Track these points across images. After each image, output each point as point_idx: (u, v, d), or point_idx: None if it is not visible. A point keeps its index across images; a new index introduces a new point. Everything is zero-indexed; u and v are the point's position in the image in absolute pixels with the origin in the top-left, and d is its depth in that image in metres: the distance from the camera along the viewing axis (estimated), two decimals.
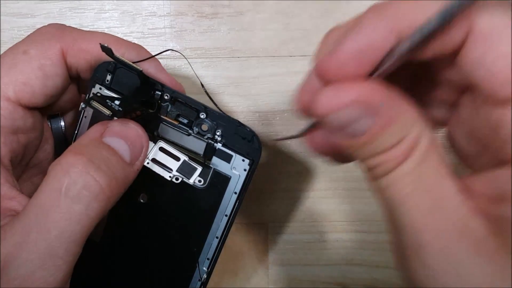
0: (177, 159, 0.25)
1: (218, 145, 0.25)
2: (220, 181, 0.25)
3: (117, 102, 0.24)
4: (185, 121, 0.25)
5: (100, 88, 0.25)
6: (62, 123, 0.28)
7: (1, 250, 0.20)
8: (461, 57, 0.15)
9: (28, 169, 0.26)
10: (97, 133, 0.23)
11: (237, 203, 0.26)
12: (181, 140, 0.25)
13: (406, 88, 0.17)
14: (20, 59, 0.23)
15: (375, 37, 0.15)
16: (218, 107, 0.25)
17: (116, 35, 0.25)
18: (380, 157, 0.16)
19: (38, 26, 0.25)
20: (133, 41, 0.26)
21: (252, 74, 0.35)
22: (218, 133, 0.25)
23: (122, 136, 0.23)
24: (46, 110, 0.26)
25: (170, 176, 0.25)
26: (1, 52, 0.24)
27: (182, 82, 0.27)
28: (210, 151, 0.25)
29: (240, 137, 0.25)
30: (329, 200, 0.37)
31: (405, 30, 0.15)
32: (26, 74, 0.23)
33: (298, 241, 0.37)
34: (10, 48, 0.24)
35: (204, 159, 0.25)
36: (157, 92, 0.25)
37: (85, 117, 0.25)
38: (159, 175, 0.25)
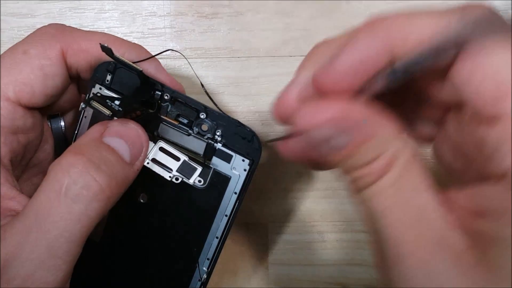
0: (177, 159, 0.25)
1: (218, 145, 0.25)
2: (220, 181, 0.25)
3: (117, 102, 0.24)
4: (185, 121, 0.25)
5: (100, 88, 0.25)
6: (62, 123, 0.28)
7: (1, 250, 0.20)
8: (451, 74, 0.15)
9: (28, 169, 0.26)
10: (97, 133, 0.23)
11: (237, 203, 0.26)
12: (181, 140, 0.25)
13: (393, 104, 0.17)
14: (20, 59, 0.23)
15: (369, 53, 0.15)
16: (218, 107, 0.25)
17: (116, 35, 0.25)
18: (361, 171, 0.17)
19: (38, 26, 0.25)
20: (133, 41, 0.26)
21: (252, 74, 0.35)
22: (218, 133, 0.25)
23: (122, 136, 0.23)
24: (46, 110, 0.26)
25: (170, 176, 0.25)
26: (1, 52, 0.24)
27: (182, 82, 0.27)
28: (210, 151, 0.25)
29: (240, 137, 0.25)
30: (329, 200, 0.37)
31: (398, 46, 0.15)
32: (26, 74, 0.23)
33: (298, 241, 0.37)
34: (10, 48, 0.24)
35: (204, 159, 0.25)
36: (157, 92, 0.25)
37: (85, 117, 0.25)
38: (159, 175, 0.25)
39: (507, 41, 0.15)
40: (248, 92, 0.35)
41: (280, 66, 0.35)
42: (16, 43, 0.24)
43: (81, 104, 0.25)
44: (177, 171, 0.25)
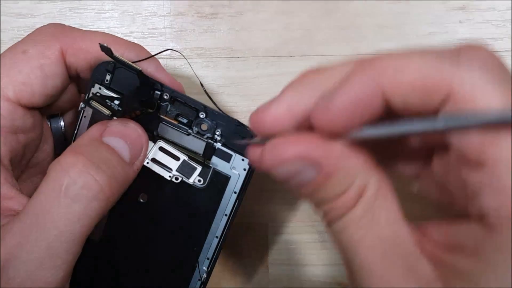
0: (177, 158, 0.25)
1: (218, 145, 0.25)
2: (219, 180, 0.25)
3: (116, 102, 0.24)
4: (185, 120, 0.25)
5: (100, 88, 0.25)
6: (62, 123, 0.28)
7: (1, 250, 0.20)
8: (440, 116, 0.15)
9: (28, 169, 0.26)
10: (96, 133, 0.23)
11: (236, 203, 0.26)
12: (180, 140, 0.25)
13: (378, 143, 0.18)
14: (19, 59, 0.23)
15: (361, 96, 0.15)
16: (217, 107, 0.25)
17: (116, 35, 0.25)
18: (330, 204, 0.17)
19: (38, 26, 0.25)
20: (133, 41, 0.26)
21: (252, 74, 0.35)
22: (217, 133, 0.25)
23: (122, 136, 0.23)
24: (46, 110, 0.26)
25: (170, 176, 0.25)
26: (1, 52, 0.24)
27: (182, 82, 0.27)
28: (210, 150, 0.25)
29: (240, 137, 0.25)
30: None
31: (391, 90, 0.15)
32: (25, 74, 0.23)
33: (298, 241, 0.37)
34: (9, 48, 0.24)
35: (203, 158, 0.25)
36: (156, 91, 0.25)
37: (85, 117, 0.25)
38: (159, 174, 0.25)
39: (503, 87, 0.14)
40: (248, 92, 0.35)
41: (280, 66, 0.35)
42: (16, 43, 0.24)
43: (81, 104, 0.25)
44: (176, 170, 0.25)
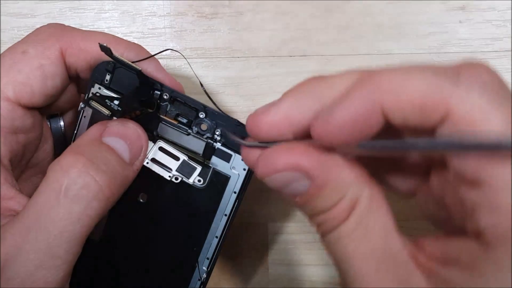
0: (177, 158, 0.25)
1: (218, 145, 0.25)
2: (219, 180, 0.25)
3: (116, 102, 0.24)
4: (185, 120, 0.25)
5: (99, 88, 0.25)
6: (62, 123, 0.28)
7: (1, 250, 0.20)
8: (438, 135, 0.16)
9: (27, 169, 0.26)
10: (96, 133, 0.23)
11: (236, 203, 0.26)
12: (180, 140, 0.25)
13: (375, 157, 0.18)
14: (19, 59, 0.23)
15: (360, 112, 0.16)
16: (217, 107, 0.25)
17: (116, 35, 0.25)
18: (324, 216, 0.17)
19: (38, 26, 0.25)
20: (133, 41, 0.26)
21: (252, 74, 0.35)
22: (217, 133, 0.25)
23: (122, 136, 0.23)
24: (46, 110, 0.26)
25: (169, 176, 0.25)
26: (1, 52, 0.24)
27: (182, 82, 0.27)
28: (210, 150, 0.25)
29: (240, 136, 0.25)
30: None
31: (390, 106, 0.15)
32: (25, 74, 0.23)
33: (298, 241, 0.37)
34: (9, 48, 0.24)
35: (203, 158, 0.25)
36: (156, 91, 0.25)
37: (85, 117, 0.25)
38: (158, 174, 0.25)
39: (503, 108, 0.14)
40: (248, 92, 0.35)
41: (280, 66, 0.35)
42: (15, 43, 0.24)
43: (81, 104, 0.25)
44: (176, 170, 0.25)
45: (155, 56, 0.25)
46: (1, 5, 0.35)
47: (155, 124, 0.25)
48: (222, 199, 0.26)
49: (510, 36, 0.34)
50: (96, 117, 0.25)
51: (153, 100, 0.25)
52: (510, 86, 0.15)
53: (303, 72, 0.35)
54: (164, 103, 0.25)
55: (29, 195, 0.21)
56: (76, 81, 0.26)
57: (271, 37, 0.35)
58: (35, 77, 0.23)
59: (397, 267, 0.16)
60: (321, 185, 0.17)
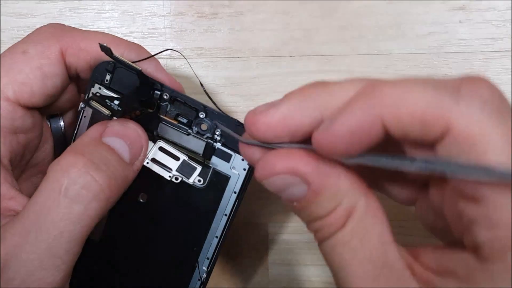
0: (177, 158, 0.25)
1: (218, 145, 0.25)
2: (219, 180, 0.25)
3: (116, 102, 0.24)
4: (185, 120, 0.25)
5: (100, 88, 0.25)
6: (62, 123, 0.28)
7: (1, 250, 0.20)
8: (438, 148, 0.16)
9: (27, 169, 0.26)
10: (96, 133, 0.23)
11: (236, 203, 0.26)
12: (180, 140, 0.25)
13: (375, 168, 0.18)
14: (19, 59, 0.23)
15: (361, 125, 0.16)
16: (217, 107, 0.25)
17: (116, 35, 0.25)
18: (320, 222, 0.17)
19: (38, 26, 0.25)
20: (133, 41, 0.26)
21: (252, 74, 0.35)
22: (217, 133, 0.25)
23: (122, 136, 0.23)
24: (46, 110, 0.26)
25: (169, 176, 0.25)
26: (1, 52, 0.24)
27: (182, 82, 0.27)
28: (210, 150, 0.25)
29: (238, 134, 0.25)
30: None
31: (390, 119, 0.15)
32: (25, 74, 0.23)
33: (298, 241, 0.37)
34: (9, 48, 0.24)
35: (203, 158, 0.25)
36: (156, 91, 0.25)
37: (85, 117, 0.25)
38: (158, 174, 0.25)
39: (503, 124, 0.15)
40: (248, 92, 0.35)
41: (280, 66, 0.35)
42: (15, 43, 0.24)
43: (81, 104, 0.25)
44: (176, 170, 0.25)
45: (155, 56, 0.25)
46: (1, 5, 0.35)
47: (155, 124, 0.25)
48: (222, 199, 0.26)
49: (510, 36, 0.34)
50: (96, 117, 0.25)
51: (153, 100, 0.25)
52: (510, 95, 0.15)
53: (303, 72, 0.35)
54: (164, 103, 0.25)
55: (29, 195, 0.21)
56: (76, 81, 0.26)
57: (271, 37, 0.35)
58: (35, 77, 0.23)
59: (394, 276, 0.17)
60: (317, 191, 0.17)
